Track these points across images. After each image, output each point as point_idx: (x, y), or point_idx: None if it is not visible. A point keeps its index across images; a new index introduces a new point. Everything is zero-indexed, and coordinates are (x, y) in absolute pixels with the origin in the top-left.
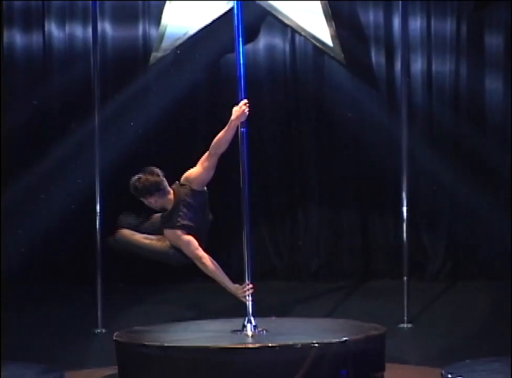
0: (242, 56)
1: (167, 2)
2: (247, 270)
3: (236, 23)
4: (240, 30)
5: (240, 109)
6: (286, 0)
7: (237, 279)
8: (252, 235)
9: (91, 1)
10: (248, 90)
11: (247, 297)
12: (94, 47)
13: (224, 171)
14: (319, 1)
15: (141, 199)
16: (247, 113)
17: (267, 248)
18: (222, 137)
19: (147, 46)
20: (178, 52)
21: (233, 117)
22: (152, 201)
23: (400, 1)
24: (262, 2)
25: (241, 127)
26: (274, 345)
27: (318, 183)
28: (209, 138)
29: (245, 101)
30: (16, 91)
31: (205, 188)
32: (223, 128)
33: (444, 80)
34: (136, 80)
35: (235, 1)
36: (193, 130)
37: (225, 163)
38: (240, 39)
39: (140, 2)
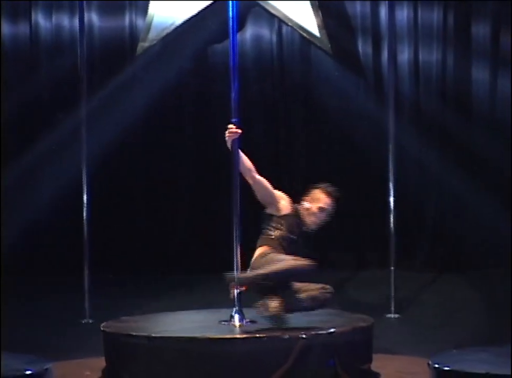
0: (235, 53)
1: None
2: (236, 264)
3: (231, 23)
4: (235, 30)
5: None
6: None
7: (227, 271)
8: (242, 223)
9: None
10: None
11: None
12: (81, 37)
13: (216, 162)
14: None
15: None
16: (228, 138)
17: (255, 239)
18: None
19: (133, 36)
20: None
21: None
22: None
23: None
24: None
25: (232, 118)
26: (261, 335)
27: (305, 172)
28: (195, 127)
29: (230, 125)
30: (2, 81)
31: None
32: (210, 116)
33: (430, 69)
34: (123, 70)
35: (230, 1)
36: (180, 120)
37: (216, 154)
38: (235, 38)
39: None
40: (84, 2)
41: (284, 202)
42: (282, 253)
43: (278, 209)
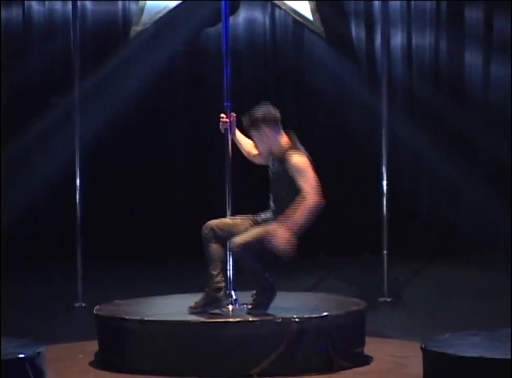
0: (228, 38)
1: None
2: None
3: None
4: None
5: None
6: None
7: None
8: (235, 203)
9: None
10: (230, 64)
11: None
12: (74, 21)
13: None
14: None
15: (254, 130)
16: (221, 126)
17: None
18: None
19: (126, 20)
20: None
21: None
22: (265, 132)
23: None
24: None
25: (225, 102)
26: (254, 319)
27: None
28: (187, 109)
29: (222, 115)
30: None
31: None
32: (203, 100)
33: (423, 54)
34: (116, 54)
35: (223, 1)
36: (172, 102)
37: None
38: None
39: None
40: None
41: None
42: None
43: None
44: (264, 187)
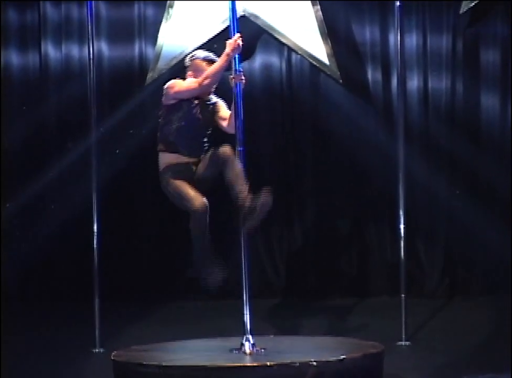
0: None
1: (163, 21)
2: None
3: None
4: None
5: (235, 42)
6: (282, 19)
7: (234, 295)
8: (250, 253)
9: (87, 21)
10: (244, 108)
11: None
12: (90, 67)
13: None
14: (315, 20)
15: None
16: (241, 46)
17: (264, 265)
18: (215, 68)
19: (143, 65)
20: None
21: (228, 50)
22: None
23: (396, 18)
24: (258, 21)
25: (238, 147)
26: (272, 363)
27: (315, 200)
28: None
29: (238, 35)
30: (12, 111)
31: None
32: (218, 144)
33: (440, 96)
34: (133, 100)
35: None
36: None
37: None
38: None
39: (136, 21)
40: (94, 30)
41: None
42: None
43: None
44: (278, 223)
